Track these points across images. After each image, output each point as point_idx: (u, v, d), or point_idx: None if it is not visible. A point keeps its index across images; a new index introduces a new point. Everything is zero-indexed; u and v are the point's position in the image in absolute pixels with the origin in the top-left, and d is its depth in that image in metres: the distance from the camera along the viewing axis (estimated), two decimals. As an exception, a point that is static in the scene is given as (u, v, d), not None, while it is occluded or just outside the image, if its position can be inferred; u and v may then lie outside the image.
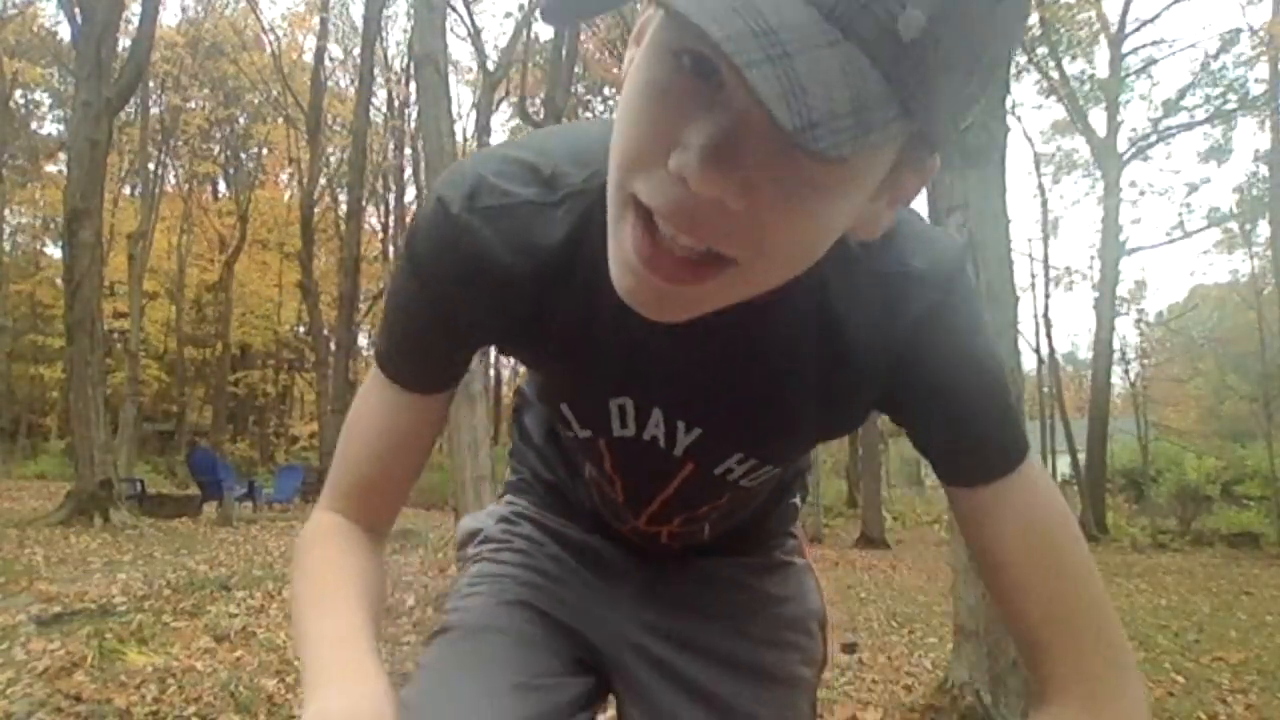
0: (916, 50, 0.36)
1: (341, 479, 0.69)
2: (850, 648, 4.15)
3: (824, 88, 0.34)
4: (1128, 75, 16.59)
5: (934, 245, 0.57)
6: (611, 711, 0.85)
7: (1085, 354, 26.66)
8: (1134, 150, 17.02)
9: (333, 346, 17.37)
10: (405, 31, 21.11)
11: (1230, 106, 16.33)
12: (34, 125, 25.25)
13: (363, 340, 27.02)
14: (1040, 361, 18.61)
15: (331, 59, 22.26)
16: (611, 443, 0.68)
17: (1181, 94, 16.58)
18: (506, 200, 0.58)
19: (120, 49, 11.77)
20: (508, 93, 20.19)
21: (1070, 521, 0.62)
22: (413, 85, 17.26)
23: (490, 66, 16.81)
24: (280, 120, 22.36)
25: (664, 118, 0.42)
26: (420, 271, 0.60)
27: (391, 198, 23.63)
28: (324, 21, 20.15)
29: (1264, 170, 17.09)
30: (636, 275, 0.45)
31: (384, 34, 20.54)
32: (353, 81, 20.49)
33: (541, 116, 15.39)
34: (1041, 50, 16.26)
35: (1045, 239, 19.44)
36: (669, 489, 0.72)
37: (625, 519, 0.77)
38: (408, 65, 20.20)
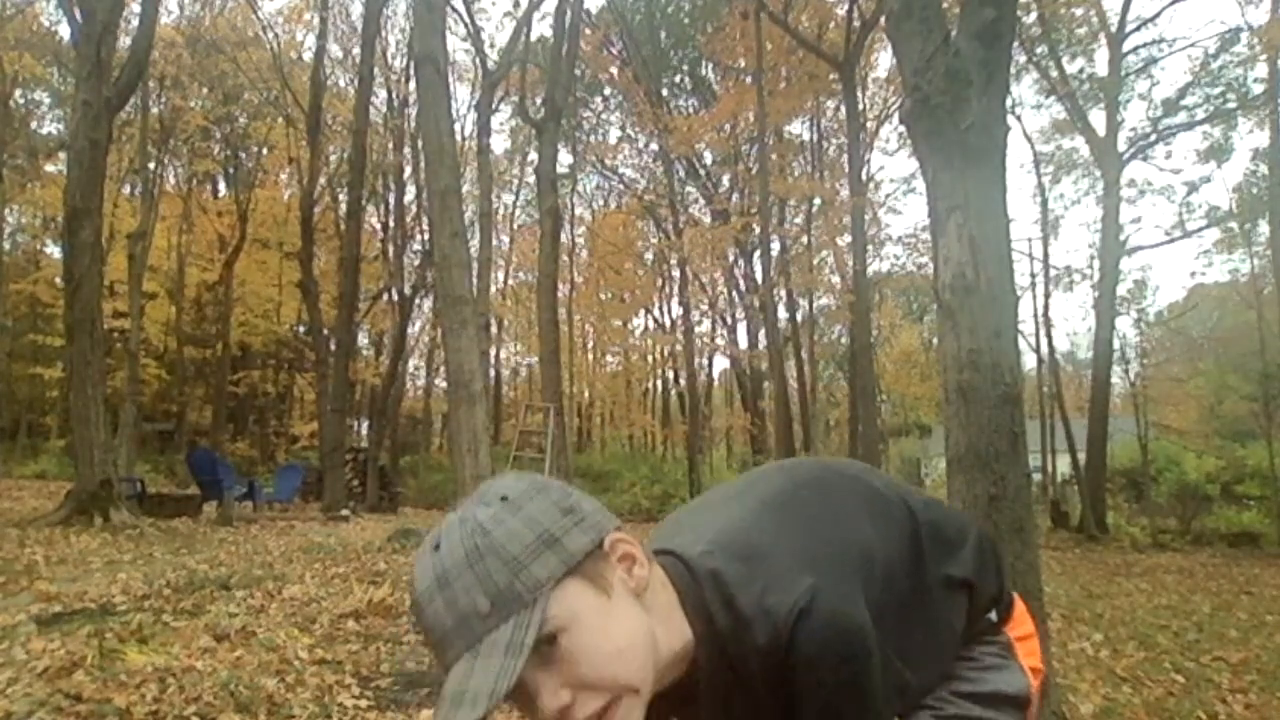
0: (495, 608, 0.66)
1: None
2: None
3: (490, 668, 0.64)
4: (1128, 75, 16.59)
5: (772, 619, 0.75)
6: None
7: (1085, 354, 26.70)
8: (1134, 150, 17.01)
9: (332, 346, 17.35)
10: (405, 31, 21.11)
11: (1230, 106, 16.33)
12: (34, 125, 25.26)
13: (362, 340, 27.04)
14: (1040, 361, 18.61)
15: (331, 58, 22.26)
16: None
17: (1181, 93, 16.58)
18: None
19: (120, 48, 11.77)
20: (507, 92, 20.21)
21: None
22: (413, 85, 17.26)
23: (490, 66, 16.80)
24: (280, 120, 22.35)
25: None
26: None
27: (391, 197, 23.57)
28: (323, 20, 20.14)
29: (1263, 169, 17.10)
30: None
31: (384, 34, 20.53)
32: (352, 81, 20.47)
33: (541, 116, 15.39)
34: (1041, 50, 16.27)
35: (1045, 239, 19.42)
36: None
37: None
38: (408, 65, 20.20)
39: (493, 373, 28.77)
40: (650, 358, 33.73)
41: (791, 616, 0.74)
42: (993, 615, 1.02)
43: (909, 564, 0.89)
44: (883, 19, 9.34)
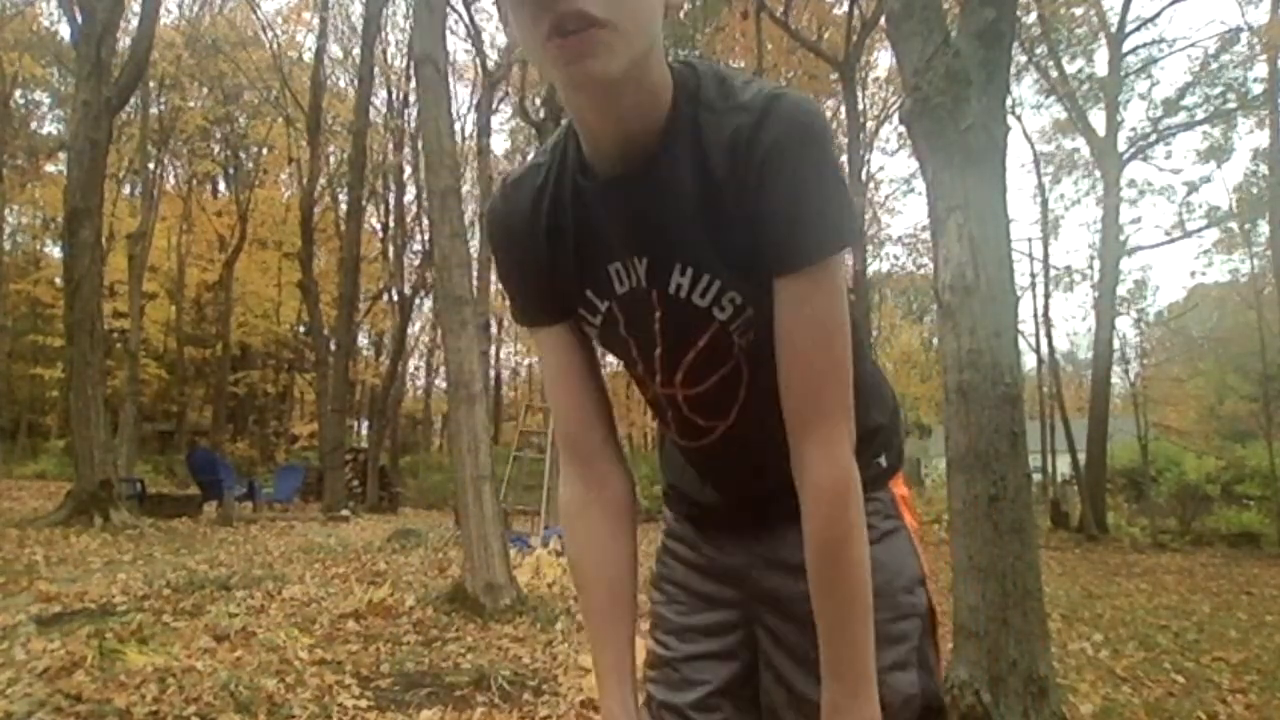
0: None
1: (556, 437, 0.97)
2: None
3: None
4: (1128, 75, 16.58)
5: (757, 90, 0.77)
6: None
7: (1085, 354, 26.67)
8: (1134, 150, 17.01)
9: (332, 346, 17.35)
10: (405, 31, 21.10)
11: (1230, 106, 16.33)
12: (34, 125, 25.26)
13: (362, 340, 27.02)
14: (1040, 361, 18.60)
15: (331, 58, 22.24)
16: (617, 307, 0.87)
17: (1181, 93, 16.58)
18: (520, 171, 0.89)
19: (120, 48, 11.76)
20: (507, 92, 20.18)
21: (834, 317, 0.79)
22: (413, 85, 17.24)
23: (490, 66, 16.79)
24: (280, 120, 22.34)
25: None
26: (490, 241, 0.91)
27: (391, 197, 23.59)
28: (323, 21, 20.14)
29: (1263, 169, 17.10)
30: (562, 55, 0.68)
31: (384, 34, 20.53)
32: (352, 81, 20.47)
33: (541, 116, 15.39)
34: (1041, 50, 16.26)
35: (1045, 239, 19.41)
36: (661, 330, 0.87)
37: (667, 388, 0.93)
38: (408, 65, 20.18)
39: (493, 373, 28.75)
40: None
41: (771, 92, 0.77)
42: (882, 460, 0.99)
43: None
44: (883, 19, 9.34)
